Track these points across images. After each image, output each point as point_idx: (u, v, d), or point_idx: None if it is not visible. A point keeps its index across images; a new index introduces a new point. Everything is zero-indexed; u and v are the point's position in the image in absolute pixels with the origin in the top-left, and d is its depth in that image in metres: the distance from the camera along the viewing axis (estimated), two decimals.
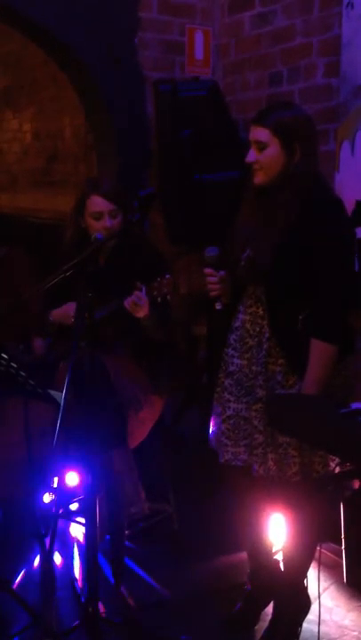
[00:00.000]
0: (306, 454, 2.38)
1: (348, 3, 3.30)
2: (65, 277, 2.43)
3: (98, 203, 2.88)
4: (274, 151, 2.33)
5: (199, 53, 4.11)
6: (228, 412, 2.49)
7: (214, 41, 4.18)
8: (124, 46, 4.01)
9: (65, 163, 5.81)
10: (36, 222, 5.68)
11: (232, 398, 2.48)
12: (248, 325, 2.46)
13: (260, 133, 2.35)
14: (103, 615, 2.47)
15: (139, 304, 2.68)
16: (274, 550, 2.72)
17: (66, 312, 2.91)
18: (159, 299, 2.68)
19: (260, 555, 2.66)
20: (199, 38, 4.10)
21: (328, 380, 2.33)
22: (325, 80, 3.56)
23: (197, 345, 4.19)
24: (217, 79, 4.13)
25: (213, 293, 2.50)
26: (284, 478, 2.40)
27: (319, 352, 2.31)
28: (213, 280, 2.49)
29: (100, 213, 2.88)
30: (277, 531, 2.72)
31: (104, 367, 2.79)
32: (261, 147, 2.35)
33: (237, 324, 2.49)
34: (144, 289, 2.68)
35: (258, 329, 2.43)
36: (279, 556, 2.69)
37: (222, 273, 2.50)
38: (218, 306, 2.50)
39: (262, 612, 2.65)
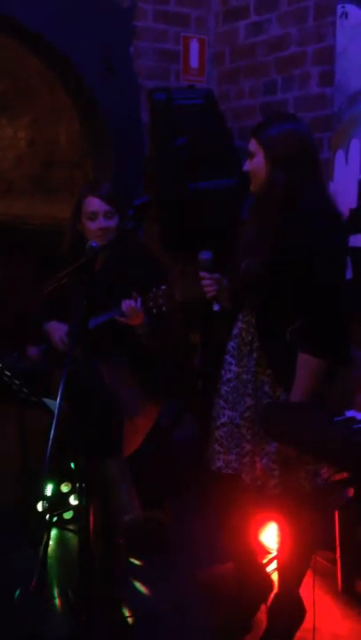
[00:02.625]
0: (286, 468, 2.35)
1: (343, 12, 3.31)
2: (60, 285, 2.43)
3: (94, 203, 2.90)
4: (259, 161, 2.39)
5: (194, 62, 4.13)
6: (223, 420, 2.49)
7: (209, 49, 4.20)
8: (120, 54, 4.02)
9: (61, 169, 5.81)
10: (32, 229, 5.68)
11: (227, 406, 2.49)
12: (244, 333, 2.47)
13: (250, 143, 2.43)
14: (97, 624, 2.46)
15: (134, 311, 2.68)
16: (268, 558, 2.72)
17: (54, 332, 2.94)
18: (154, 310, 2.68)
19: (245, 562, 2.64)
20: (194, 47, 4.12)
21: (316, 391, 2.30)
22: (320, 89, 3.57)
23: (193, 352, 4.19)
24: (212, 87, 4.14)
25: (210, 295, 2.51)
26: (267, 489, 2.39)
27: (307, 366, 2.29)
28: (208, 282, 2.51)
29: (96, 214, 2.89)
30: (271, 539, 2.71)
31: (99, 375, 2.78)
32: (251, 156, 2.42)
33: (236, 331, 2.50)
34: (139, 300, 2.68)
35: (250, 337, 2.44)
36: (273, 565, 2.69)
37: (216, 275, 2.52)
38: (215, 307, 2.51)
39: (254, 620, 2.65)
